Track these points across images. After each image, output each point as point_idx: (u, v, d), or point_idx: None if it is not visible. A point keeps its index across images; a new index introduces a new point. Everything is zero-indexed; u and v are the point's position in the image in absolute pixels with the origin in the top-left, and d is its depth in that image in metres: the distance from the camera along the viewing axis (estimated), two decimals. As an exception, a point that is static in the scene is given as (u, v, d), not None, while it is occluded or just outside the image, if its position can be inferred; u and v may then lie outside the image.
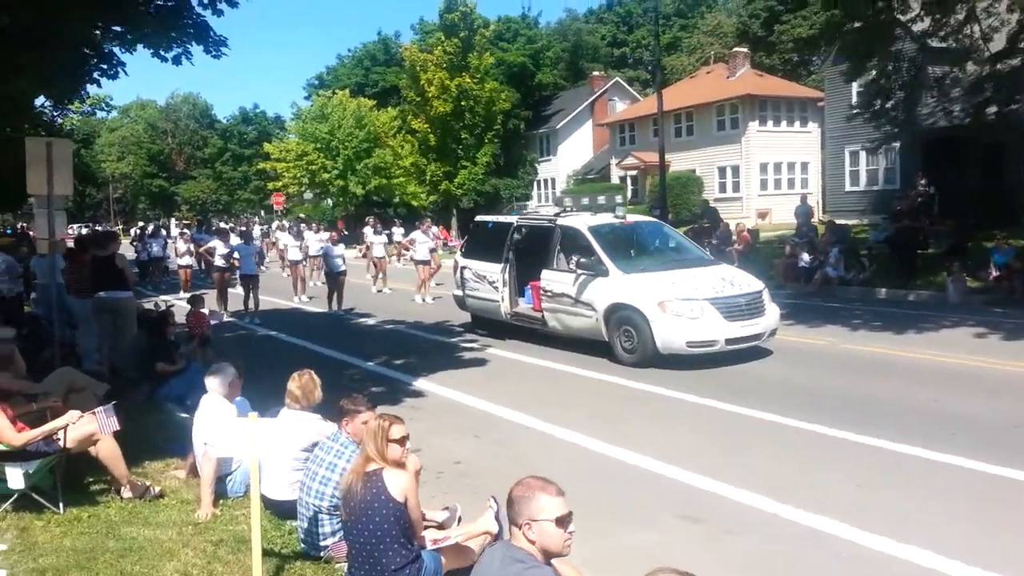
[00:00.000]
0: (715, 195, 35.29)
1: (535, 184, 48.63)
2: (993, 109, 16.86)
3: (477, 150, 40.73)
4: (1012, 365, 8.97)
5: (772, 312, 10.24)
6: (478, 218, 14.13)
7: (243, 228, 24.74)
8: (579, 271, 10.57)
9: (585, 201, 12.76)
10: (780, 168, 37.67)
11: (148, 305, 12.44)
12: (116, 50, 9.04)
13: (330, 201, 47.49)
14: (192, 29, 8.63)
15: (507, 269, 11.87)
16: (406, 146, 42.49)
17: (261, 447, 5.28)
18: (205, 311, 11.35)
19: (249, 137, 68.84)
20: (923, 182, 21.82)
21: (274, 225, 27.99)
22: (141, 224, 50.18)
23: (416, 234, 19.14)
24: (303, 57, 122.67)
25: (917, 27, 16.14)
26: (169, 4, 8.49)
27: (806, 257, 17.54)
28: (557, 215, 12.08)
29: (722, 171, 37.77)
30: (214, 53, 9.09)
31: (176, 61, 9.17)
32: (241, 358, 7.34)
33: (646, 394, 8.64)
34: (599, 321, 10.25)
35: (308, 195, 47.59)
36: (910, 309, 13.70)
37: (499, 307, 12.01)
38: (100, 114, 42.07)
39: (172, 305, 15.26)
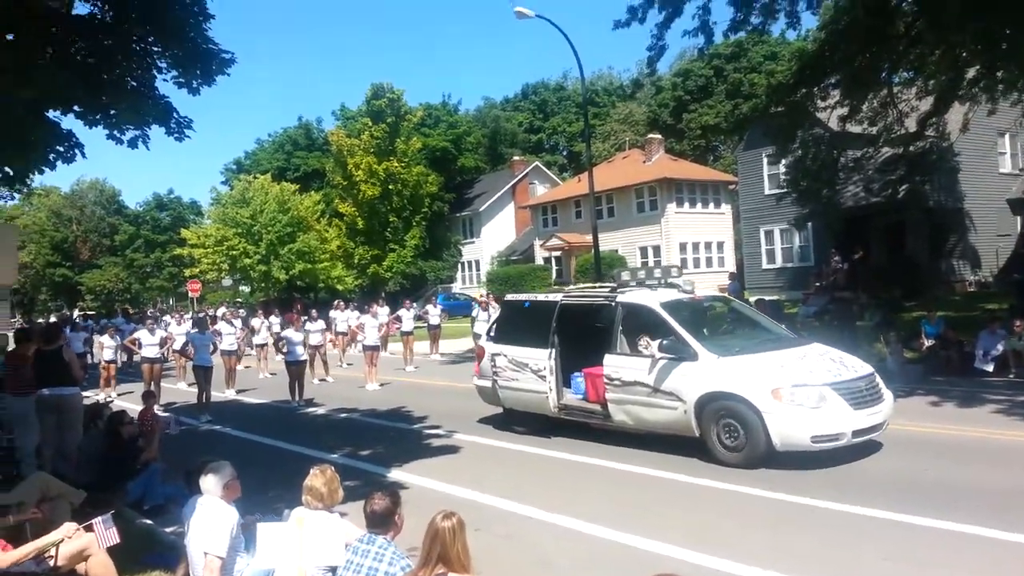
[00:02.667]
0: (639, 274, 36.23)
1: (460, 266, 48.90)
2: (905, 187, 18.08)
3: (405, 232, 40.83)
4: (984, 432, 9.38)
5: (888, 398, 8.87)
6: (509, 297, 12.42)
7: (200, 315, 23.53)
8: (660, 355, 9.04)
9: (641, 274, 11.01)
10: (698, 247, 39.24)
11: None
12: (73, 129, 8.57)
13: (247, 288, 46.31)
14: (156, 109, 8.27)
15: (554, 355, 10.33)
16: (332, 230, 42.18)
17: (281, 554, 4.91)
18: (156, 408, 10.63)
19: (163, 223, 66.92)
20: (837, 258, 23.09)
21: (219, 311, 26.63)
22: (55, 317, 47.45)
23: (366, 318, 18.64)
24: (219, 142, 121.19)
25: (837, 112, 17.36)
26: (132, 83, 8.13)
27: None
28: (614, 291, 10.42)
29: (643, 251, 39.02)
30: (177, 135, 8.63)
31: (132, 144, 8.64)
32: (193, 456, 6.85)
33: (692, 487, 7.92)
34: (688, 413, 8.73)
35: (227, 281, 46.27)
36: (853, 379, 14.11)
37: (546, 399, 10.27)
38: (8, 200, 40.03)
39: (111, 401, 14.39)
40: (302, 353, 15.95)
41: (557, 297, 10.95)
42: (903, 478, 7.71)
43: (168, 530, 7.09)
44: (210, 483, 5.42)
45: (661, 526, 6.66)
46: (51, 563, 4.54)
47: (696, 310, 10.26)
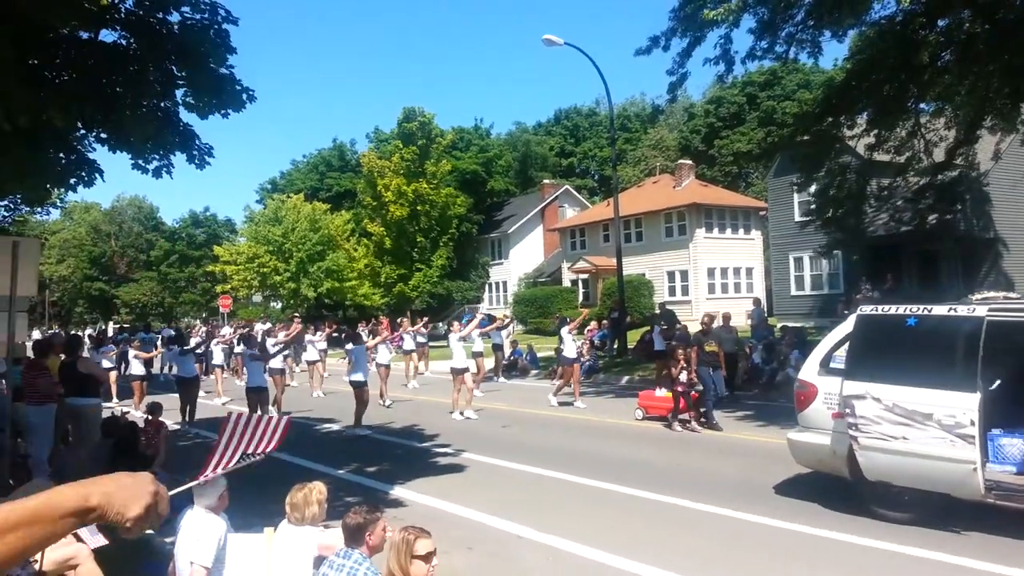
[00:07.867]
0: (664, 298, 36.07)
1: (487, 287, 49.07)
2: (934, 216, 17.81)
3: (432, 253, 41.23)
4: None
5: None
6: (864, 309, 7.88)
7: (244, 330, 22.98)
8: None
9: None
10: (727, 273, 38.94)
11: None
12: (94, 156, 8.77)
13: (279, 304, 47.01)
14: (177, 137, 8.44)
15: (981, 403, 6.62)
16: (360, 249, 42.74)
17: (249, 568, 4.97)
18: (163, 419, 10.79)
19: (198, 239, 68.32)
20: (867, 286, 22.77)
21: (261, 326, 25.78)
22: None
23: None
24: (255, 162, 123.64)
25: (864, 141, 17.22)
26: (156, 113, 8.31)
27: (756, 357, 18.09)
28: None
29: (671, 275, 38.82)
30: (198, 163, 8.70)
31: (156, 174, 8.67)
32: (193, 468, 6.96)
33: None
34: None
35: (257, 297, 47.06)
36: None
37: (973, 473, 6.47)
38: (54, 214, 41.09)
39: (127, 412, 14.60)
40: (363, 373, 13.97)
41: (977, 311, 6.93)
42: None
43: (167, 540, 7.19)
44: (201, 495, 5.51)
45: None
46: (36, 567, 4.64)
47: None
